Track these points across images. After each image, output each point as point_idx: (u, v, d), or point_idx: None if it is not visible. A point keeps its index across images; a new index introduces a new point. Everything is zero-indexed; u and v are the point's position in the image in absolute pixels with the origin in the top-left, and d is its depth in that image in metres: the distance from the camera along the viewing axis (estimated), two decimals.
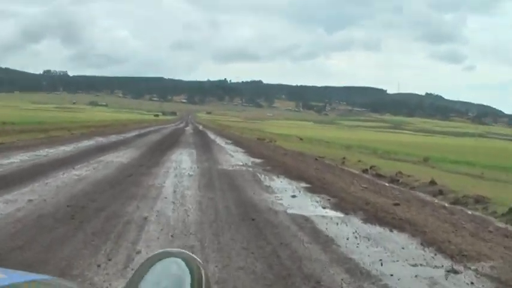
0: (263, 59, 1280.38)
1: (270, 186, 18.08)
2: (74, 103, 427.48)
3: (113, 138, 43.21)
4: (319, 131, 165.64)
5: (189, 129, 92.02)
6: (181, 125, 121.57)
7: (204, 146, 39.49)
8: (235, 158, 29.48)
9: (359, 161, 34.43)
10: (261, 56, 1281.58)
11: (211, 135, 64.19)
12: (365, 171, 27.96)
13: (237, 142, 49.28)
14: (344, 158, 35.61)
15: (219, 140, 52.02)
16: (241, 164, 25.83)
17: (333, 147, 60.01)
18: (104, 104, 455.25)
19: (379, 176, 25.75)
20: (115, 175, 17.93)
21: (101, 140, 39.44)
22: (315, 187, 18.22)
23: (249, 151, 36.66)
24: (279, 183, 19.12)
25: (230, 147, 40.71)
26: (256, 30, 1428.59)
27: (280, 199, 15.15)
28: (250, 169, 23.46)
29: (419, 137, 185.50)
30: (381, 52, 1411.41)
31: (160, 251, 1.57)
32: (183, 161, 25.24)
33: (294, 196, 15.97)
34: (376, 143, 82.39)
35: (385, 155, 50.47)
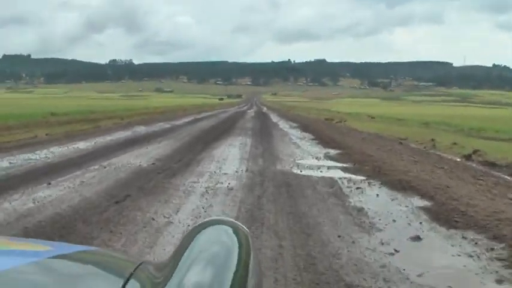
0: (325, 38, 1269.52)
1: (370, 219, 9.38)
2: (140, 90, 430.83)
3: (157, 127, 36.15)
4: (387, 108, 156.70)
5: (251, 112, 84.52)
6: (245, 108, 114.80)
7: (264, 133, 31.97)
8: (302, 150, 21.84)
9: (454, 143, 26.71)
10: (323, 35, 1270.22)
11: (274, 118, 56.75)
12: (467, 157, 20.23)
13: (304, 125, 41.63)
14: (433, 140, 28.27)
15: (283, 124, 44.35)
16: (311, 161, 18.12)
17: (409, 125, 52.75)
18: (170, 90, 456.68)
19: (492, 165, 17.99)
20: (98, 199, 10.46)
21: (141, 129, 32.55)
22: (444, 210, 10.05)
23: (319, 137, 29.00)
24: (381, 203, 10.90)
25: (295, 133, 32.89)
26: (317, 9, 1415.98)
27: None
28: (327, 173, 15.31)
29: (494, 110, 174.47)
30: (444, 25, 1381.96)
31: (209, 218, 1.60)
32: (228, 159, 17.92)
33: (417, 238, 8.07)
34: (455, 118, 74.23)
35: (473, 132, 42.89)
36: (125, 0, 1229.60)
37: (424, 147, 25.31)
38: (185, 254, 1.35)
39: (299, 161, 17.71)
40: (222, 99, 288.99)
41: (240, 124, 41.58)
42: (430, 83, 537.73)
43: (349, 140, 27.47)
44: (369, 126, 43.70)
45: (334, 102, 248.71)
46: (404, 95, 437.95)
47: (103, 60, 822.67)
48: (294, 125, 42.37)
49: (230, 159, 18.00)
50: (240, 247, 1.42)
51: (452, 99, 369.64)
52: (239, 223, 1.60)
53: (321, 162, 17.58)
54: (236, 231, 1.52)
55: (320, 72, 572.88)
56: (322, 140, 27.11)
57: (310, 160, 18.23)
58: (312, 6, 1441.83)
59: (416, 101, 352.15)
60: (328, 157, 19.25)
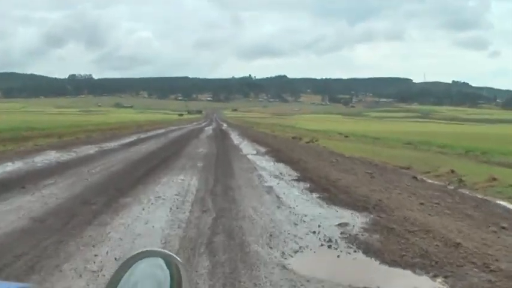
0: (287, 54, 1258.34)
1: None
2: (99, 106, 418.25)
3: (77, 152, 26.14)
4: (355, 125, 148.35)
5: (208, 129, 74.60)
6: (203, 124, 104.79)
7: (220, 166, 21.83)
8: (282, 204, 12.57)
9: (493, 179, 18.27)
10: (285, 51, 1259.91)
11: (236, 138, 47.13)
12: None
13: (274, 149, 31.79)
14: (453, 172, 20.63)
15: (247, 147, 34.32)
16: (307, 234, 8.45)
17: (393, 146, 45.26)
18: (129, 105, 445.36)
19: None
20: None
21: (45, 158, 22.29)
22: None
23: (306, 174, 19.14)
24: None
25: (267, 166, 22.48)
26: (278, 26, 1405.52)
27: None
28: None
29: (461, 127, 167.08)
30: (405, 42, 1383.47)
31: (139, 250, 1.54)
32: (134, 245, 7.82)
33: None
34: (437, 136, 66.17)
35: (479, 156, 35.87)
36: (85, 14, 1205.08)
37: (453, 187, 17.31)
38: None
39: (286, 233, 8.64)
40: (181, 114, 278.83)
41: (190, 149, 31.03)
42: (391, 99, 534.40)
43: (341, 173, 18.29)
44: (349, 148, 36.42)
45: (297, 118, 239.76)
46: (365, 111, 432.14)
47: (63, 75, 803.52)
48: (262, 149, 32.13)
49: (142, 241, 7.89)
50: (171, 280, 1.39)
51: (414, 115, 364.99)
52: (172, 254, 1.54)
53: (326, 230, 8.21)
54: (168, 263, 1.46)
55: (281, 88, 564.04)
56: (314, 181, 17.17)
57: (303, 229, 9.17)
58: (274, 22, 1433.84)
59: (378, 117, 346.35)
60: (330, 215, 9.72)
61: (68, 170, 18.07)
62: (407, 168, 23.04)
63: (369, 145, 47.23)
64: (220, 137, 48.47)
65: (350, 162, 25.33)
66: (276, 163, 23.36)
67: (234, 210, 11.55)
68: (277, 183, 16.52)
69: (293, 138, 52.32)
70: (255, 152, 29.60)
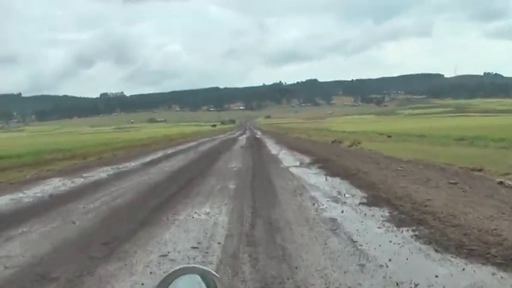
0: (315, 58, 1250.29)
1: None
2: (131, 122, 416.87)
3: (93, 175, 22.51)
4: (391, 124, 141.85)
5: (242, 138, 69.69)
6: (236, 134, 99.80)
7: (258, 184, 17.09)
8: (365, 257, 7.61)
9: None
10: (313, 54, 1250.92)
11: (272, 147, 42.06)
12: None
13: (319, 158, 26.81)
14: None
15: (287, 157, 29.28)
16: None
17: (442, 144, 39.96)
18: (162, 119, 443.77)
19: None
20: None
21: (34, 192, 17.62)
22: None
23: (359, 182, 15.89)
24: None
25: (318, 181, 17.46)
26: (305, 30, 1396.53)
27: None
28: None
29: (507, 118, 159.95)
30: (433, 37, 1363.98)
31: (177, 267, 1.60)
32: None
33: None
34: (485, 129, 60.42)
35: None
36: (113, 33, 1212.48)
37: None
38: None
39: None
40: (214, 125, 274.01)
41: (222, 163, 26.55)
42: (423, 96, 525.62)
43: (443, 198, 12.61)
44: (399, 150, 32.02)
45: (330, 121, 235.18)
46: (398, 109, 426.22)
47: (94, 94, 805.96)
48: (305, 159, 27.03)
49: None
50: None
51: (448, 110, 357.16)
52: (210, 270, 1.59)
53: None
54: (205, 278, 1.51)
55: (312, 92, 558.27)
56: (393, 205, 12.01)
57: None
58: (299, 27, 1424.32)
59: (411, 114, 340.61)
60: None
61: (57, 208, 13.45)
62: (480, 170, 18.32)
63: (417, 144, 42.31)
64: (256, 146, 43.74)
65: (415, 168, 20.49)
66: (328, 177, 18.42)
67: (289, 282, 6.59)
68: (342, 212, 11.48)
69: (333, 142, 48.05)
70: (298, 163, 24.68)
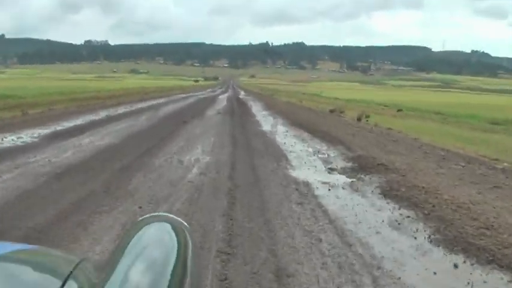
0: (304, 21, 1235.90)
1: None
2: (114, 72, 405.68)
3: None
4: (386, 94, 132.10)
5: (223, 98, 57.94)
6: (217, 91, 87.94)
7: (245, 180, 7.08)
8: None
9: None
10: (302, 17, 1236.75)
11: (262, 118, 29.29)
12: None
13: (330, 137, 17.66)
14: None
15: (289, 141, 17.21)
16: None
17: (486, 130, 30.95)
18: (145, 71, 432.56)
19: None
20: None
21: None
22: None
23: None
24: None
25: (341, 183, 8.31)
26: None
27: None
28: None
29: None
30: (424, 9, 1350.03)
31: (149, 215, 1.59)
32: None
33: None
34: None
35: None
36: None
37: None
38: (125, 252, 1.33)
39: None
40: (197, 81, 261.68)
41: (181, 146, 14.60)
42: (409, 68, 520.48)
43: None
44: (426, 132, 23.88)
45: (318, 86, 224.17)
46: (384, 79, 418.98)
47: (78, 41, 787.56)
48: (326, 149, 15.23)
49: None
50: (178, 244, 1.40)
51: (435, 85, 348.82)
52: (179, 219, 1.57)
53: None
54: (175, 228, 1.49)
55: (298, 55, 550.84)
56: None
57: None
58: None
59: (397, 85, 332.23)
60: None
61: None
62: None
63: (443, 124, 33.99)
64: (238, 113, 31.12)
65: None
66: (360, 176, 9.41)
67: None
68: None
69: (331, 111, 38.21)
70: (303, 146, 15.57)
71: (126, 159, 11.93)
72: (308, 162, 12.52)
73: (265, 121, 25.16)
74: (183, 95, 62.12)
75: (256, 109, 36.69)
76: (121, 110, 30.45)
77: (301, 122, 24.39)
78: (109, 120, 22.77)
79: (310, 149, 14.96)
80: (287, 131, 20.09)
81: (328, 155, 13.84)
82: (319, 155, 13.73)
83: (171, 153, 12.92)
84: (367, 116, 32.73)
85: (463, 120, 40.22)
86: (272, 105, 42.28)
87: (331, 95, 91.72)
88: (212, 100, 51.16)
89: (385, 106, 60.03)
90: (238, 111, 32.72)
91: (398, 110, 51.47)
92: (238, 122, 23.89)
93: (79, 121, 21.51)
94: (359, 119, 30.67)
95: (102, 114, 26.40)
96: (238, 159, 12.61)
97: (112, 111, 28.44)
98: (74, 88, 65.37)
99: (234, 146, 15.08)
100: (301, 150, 14.60)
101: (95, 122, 21.37)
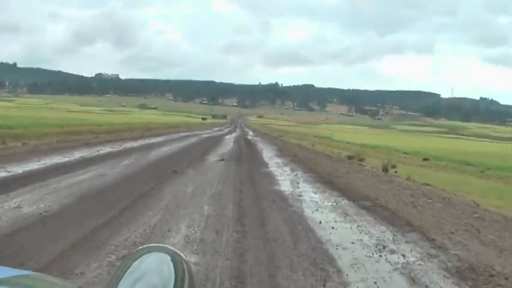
0: (314, 63, 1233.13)
1: None
2: (123, 106, 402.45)
3: None
4: (400, 140, 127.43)
5: (229, 139, 52.46)
6: (224, 131, 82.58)
7: None
8: None
9: None
10: (313, 59, 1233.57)
11: (271, 158, 26.59)
12: None
13: (353, 193, 13.14)
14: None
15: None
16: None
17: None
18: (154, 107, 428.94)
19: None
20: None
21: None
22: None
23: None
24: None
25: None
26: (308, 34, 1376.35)
27: None
28: None
29: None
30: (434, 55, 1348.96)
31: (144, 246, 1.56)
32: None
33: None
34: None
35: None
36: (115, 14, 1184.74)
37: None
38: (122, 280, 1.32)
39: None
40: (205, 119, 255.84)
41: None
42: (418, 113, 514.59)
43: None
44: (477, 190, 20.16)
45: (327, 128, 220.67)
46: (392, 124, 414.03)
47: (89, 73, 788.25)
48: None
49: None
50: (176, 275, 1.38)
51: (442, 131, 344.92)
52: (177, 251, 1.55)
53: None
54: (173, 258, 1.46)
55: (308, 97, 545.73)
56: None
57: None
58: (303, 30, 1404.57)
59: (406, 130, 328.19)
60: None
61: None
62: None
63: (487, 180, 29.44)
64: (246, 159, 25.73)
65: None
66: None
67: None
68: None
69: (349, 158, 33.54)
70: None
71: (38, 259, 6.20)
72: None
73: (282, 174, 19.39)
74: (187, 133, 57.07)
75: (268, 154, 30.90)
76: (107, 149, 25.21)
77: (326, 176, 18.85)
78: (76, 165, 17.22)
79: (371, 241, 8.95)
80: (315, 193, 14.35)
81: (410, 262, 7.82)
82: (400, 267, 7.61)
83: (124, 246, 7.16)
84: (393, 166, 27.96)
85: (503, 174, 34.79)
86: (284, 149, 36.92)
87: (342, 139, 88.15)
88: (217, 141, 45.64)
89: (406, 154, 54.79)
90: (246, 157, 27.02)
91: (425, 159, 45.94)
92: (246, 175, 18.13)
93: (36, 165, 15.98)
94: (385, 170, 25.61)
95: (79, 154, 21.00)
96: (247, 271, 6.72)
97: (94, 151, 23.18)
98: (76, 121, 61.35)
99: (239, 228, 9.25)
100: (355, 243, 8.68)
101: (56, 168, 15.87)
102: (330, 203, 12.66)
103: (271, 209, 11.43)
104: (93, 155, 21.70)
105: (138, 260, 1.39)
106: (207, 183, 14.81)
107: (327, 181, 17.26)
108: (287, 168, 21.64)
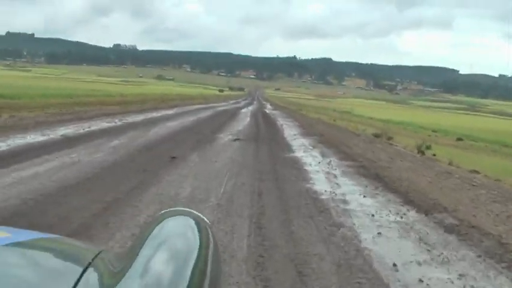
0: (333, 37, 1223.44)
1: None
2: (140, 76, 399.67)
3: None
4: (424, 115, 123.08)
5: (246, 112, 48.45)
6: (241, 104, 78.69)
7: None
8: None
9: None
10: (331, 33, 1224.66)
11: (294, 138, 22.37)
12: None
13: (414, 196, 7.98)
14: None
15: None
16: None
17: None
18: (171, 78, 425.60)
19: None
20: None
21: None
22: None
23: None
24: None
25: None
26: (326, 7, 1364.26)
27: None
28: None
29: None
30: (453, 31, 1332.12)
31: (171, 209, 1.55)
32: None
33: None
34: None
35: None
36: None
37: None
38: (145, 244, 1.29)
39: None
40: (222, 90, 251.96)
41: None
42: (436, 89, 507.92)
43: None
44: None
45: (345, 103, 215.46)
46: (410, 99, 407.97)
47: (107, 44, 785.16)
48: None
49: None
50: (200, 240, 1.36)
51: (461, 107, 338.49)
52: (201, 215, 1.53)
53: None
54: (197, 223, 1.44)
55: (325, 70, 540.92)
56: None
57: None
58: (322, 3, 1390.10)
59: (424, 106, 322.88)
60: None
61: None
62: None
63: None
64: (266, 139, 21.24)
65: None
66: None
67: None
68: None
69: (376, 136, 29.39)
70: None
71: None
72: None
73: (312, 161, 15.02)
74: (202, 106, 53.32)
75: (290, 132, 26.55)
76: (103, 124, 21.38)
77: (367, 165, 14.73)
78: (48, 147, 13.25)
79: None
80: (364, 197, 10.02)
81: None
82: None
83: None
84: (428, 147, 23.85)
85: None
86: (307, 126, 32.84)
87: (363, 113, 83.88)
88: (233, 114, 41.53)
89: (435, 132, 50.46)
90: (266, 136, 22.74)
91: (458, 139, 41.59)
92: (266, 164, 13.76)
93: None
94: (421, 152, 21.79)
95: (63, 131, 17.16)
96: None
97: (86, 126, 19.16)
98: (86, 91, 57.19)
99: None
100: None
101: (16, 153, 11.81)
102: (393, 218, 8.39)
103: (306, 231, 7.21)
104: (80, 132, 17.63)
105: (161, 225, 1.36)
106: (213, 179, 10.53)
107: (372, 174, 13.03)
108: (316, 153, 17.37)
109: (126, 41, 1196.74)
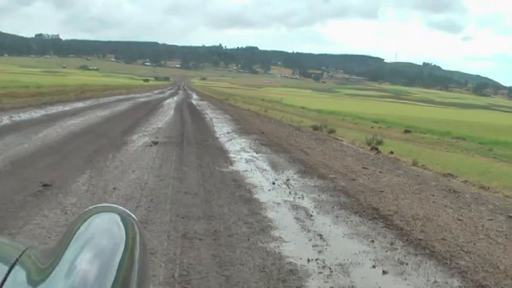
0: (258, 26, 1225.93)
1: None
2: (63, 67, 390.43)
3: None
4: (355, 104, 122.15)
5: (170, 103, 43.58)
6: (166, 94, 73.64)
7: None
8: None
9: None
10: (256, 22, 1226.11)
11: (229, 138, 17.67)
12: None
13: None
14: None
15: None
16: None
17: None
18: (95, 68, 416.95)
19: None
20: None
21: None
22: None
23: None
24: None
25: None
26: None
27: None
28: None
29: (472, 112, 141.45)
30: (378, 20, 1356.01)
31: (96, 205, 1.53)
32: None
33: None
34: None
35: None
36: None
37: None
38: (72, 240, 1.28)
39: None
40: (147, 80, 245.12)
41: None
42: (362, 77, 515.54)
43: None
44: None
45: (274, 92, 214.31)
46: (336, 88, 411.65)
47: (29, 34, 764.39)
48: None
49: None
50: (126, 235, 1.35)
51: (387, 95, 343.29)
52: (127, 210, 1.52)
53: None
54: (124, 218, 1.43)
55: (251, 60, 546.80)
56: None
57: None
58: None
59: (350, 94, 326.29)
60: None
61: None
62: None
63: (498, 161, 21.63)
64: (193, 141, 16.03)
65: None
66: None
67: None
68: None
69: (315, 129, 27.76)
70: None
71: None
72: None
73: (263, 182, 9.89)
74: (122, 97, 48.71)
75: (223, 130, 21.38)
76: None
77: (343, 184, 9.98)
78: None
79: None
80: (383, 274, 5.24)
81: None
82: None
83: None
84: (379, 142, 21.17)
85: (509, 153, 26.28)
86: (242, 120, 28.57)
87: (293, 103, 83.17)
88: (155, 106, 36.44)
89: (375, 122, 46.67)
90: (193, 137, 17.58)
91: (406, 131, 37.57)
92: (194, 195, 8.49)
93: None
94: (375, 149, 18.91)
95: None
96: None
97: None
98: (5, 82, 51.55)
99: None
100: None
101: None
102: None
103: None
104: None
105: (87, 222, 1.34)
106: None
107: (365, 208, 8.22)
108: (264, 163, 12.41)
109: (48, 30, 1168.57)
